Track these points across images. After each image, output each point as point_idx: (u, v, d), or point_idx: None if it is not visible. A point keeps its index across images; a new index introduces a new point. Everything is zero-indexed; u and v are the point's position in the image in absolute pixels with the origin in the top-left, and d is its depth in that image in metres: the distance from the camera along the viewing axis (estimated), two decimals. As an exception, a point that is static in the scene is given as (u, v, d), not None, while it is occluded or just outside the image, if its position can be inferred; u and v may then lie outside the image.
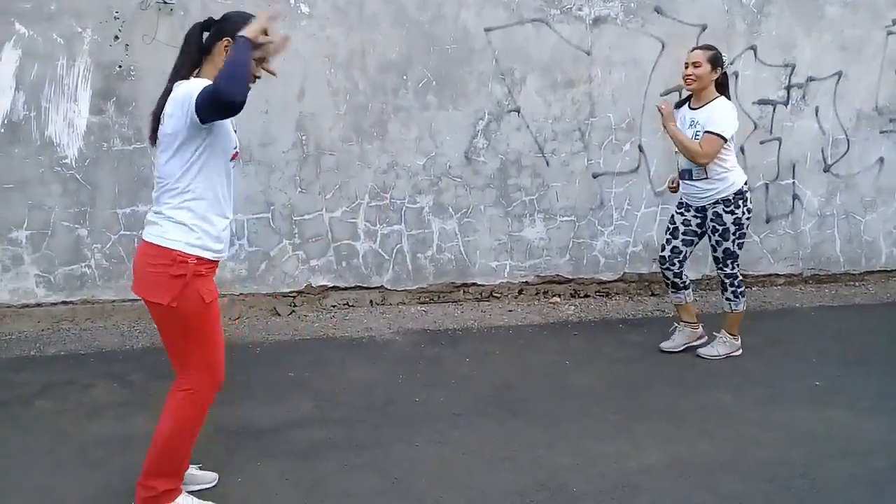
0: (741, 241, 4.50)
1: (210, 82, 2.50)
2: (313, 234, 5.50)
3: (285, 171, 5.34)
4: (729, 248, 4.47)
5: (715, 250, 4.54)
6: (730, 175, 4.38)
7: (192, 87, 2.53)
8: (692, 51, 4.42)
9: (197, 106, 2.46)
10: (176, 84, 2.64)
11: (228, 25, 2.67)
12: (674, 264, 4.63)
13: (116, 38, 5.01)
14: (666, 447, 3.45)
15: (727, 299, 4.61)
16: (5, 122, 4.94)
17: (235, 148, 2.75)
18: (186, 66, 2.69)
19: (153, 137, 2.72)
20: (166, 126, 2.61)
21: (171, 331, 2.71)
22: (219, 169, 2.68)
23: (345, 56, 5.36)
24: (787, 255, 6.33)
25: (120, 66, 5.04)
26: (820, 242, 6.39)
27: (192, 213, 2.63)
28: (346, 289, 5.64)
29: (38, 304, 5.14)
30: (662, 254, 4.69)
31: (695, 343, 4.74)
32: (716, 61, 4.34)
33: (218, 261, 2.76)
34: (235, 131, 2.84)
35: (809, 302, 5.97)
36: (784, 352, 4.78)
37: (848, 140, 6.28)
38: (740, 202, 4.39)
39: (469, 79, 5.56)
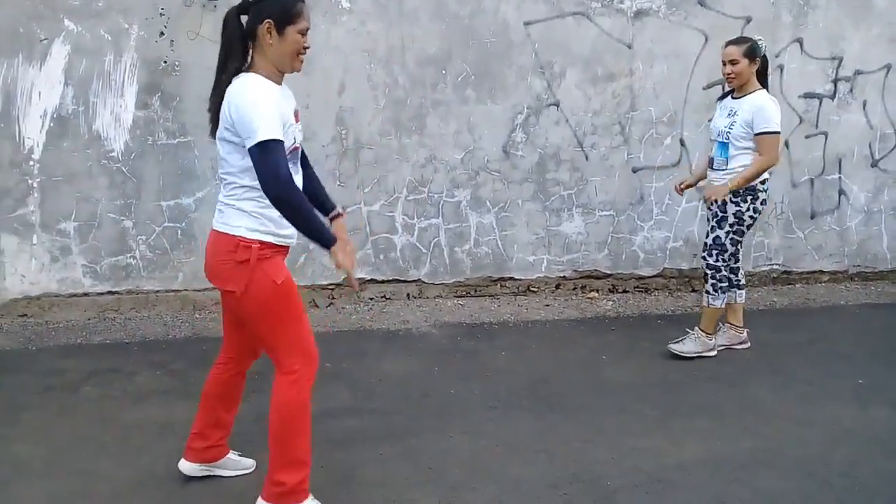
0: (736, 237, 4.37)
1: (267, 94, 2.48)
2: (351, 227, 5.53)
3: (325, 165, 5.40)
4: (719, 238, 4.36)
5: (707, 236, 4.45)
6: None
7: (245, 110, 2.45)
8: (726, 47, 4.32)
9: (253, 158, 2.45)
10: (235, 80, 2.56)
11: (266, 6, 2.53)
12: (711, 255, 4.56)
13: (162, 34, 5.11)
14: (703, 443, 3.42)
15: (706, 292, 4.48)
16: (54, 116, 5.07)
17: (295, 142, 2.64)
18: (233, 56, 2.58)
19: (214, 131, 2.65)
20: (221, 125, 2.57)
21: (251, 319, 2.67)
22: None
23: (384, 51, 5.40)
24: (832, 252, 6.20)
25: (165, 62, 5.14)
26: (866, 239, 6.24)
27: (256, 203, 2.58)
28: (383, 282, 5.68)
29: (85, 294, 5.28)
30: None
31: (737, 346, 4.65)
32: (753, 53, 4.25)
33: (287, 246, 2.71)
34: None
35: (854, 299, 5.84)
36: (827, 349, 4.68)
37: (897, 135, 6.13)
38: (749, 197, 4.27)
39: (508, 73, 5.55)
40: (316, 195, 2.88)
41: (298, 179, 2.72)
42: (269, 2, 2.54)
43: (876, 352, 4.62)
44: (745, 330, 4.66)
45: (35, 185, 5.11)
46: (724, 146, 4.34)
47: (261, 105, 2.46)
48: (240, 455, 3.20)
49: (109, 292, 5.31)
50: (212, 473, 3.08)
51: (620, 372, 4.33)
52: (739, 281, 4.60)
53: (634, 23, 5.63)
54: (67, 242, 5.21)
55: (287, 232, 2.66)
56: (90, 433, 3.51)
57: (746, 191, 4.26)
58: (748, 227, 4.39)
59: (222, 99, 2.56)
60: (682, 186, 4.71)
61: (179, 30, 5.11)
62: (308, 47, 2.65)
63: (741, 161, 4.26)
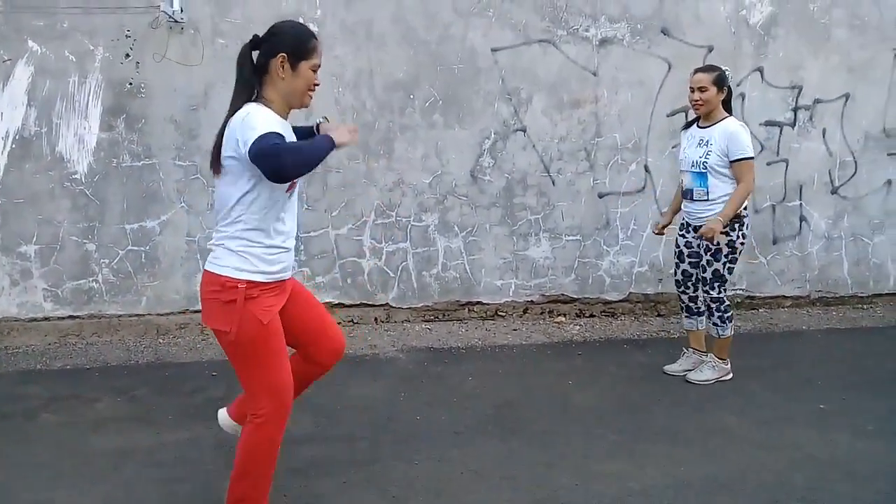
0: (732, 265, 4.43)
1: (269, 114, 2.48)
2: (319, 250, 5.53)
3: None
4: (718, 270, 4.41)
5: (704, 270, 4.46)
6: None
7: (248, 121, 2.43)
8: (695, 74, 4.38)
9: (251, 154, 2.37)
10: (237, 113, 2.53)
11: (281, 41, 2.57)
12: (688, 287, 4.61)
13: (127, 55, 5.09)
14: (667, 468, 3.43)
15: (714, 324, 4.52)
16: (17, 137, 5.02)
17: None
18: (245, 91, 2.56)
19: (216, 168, 2.58)
20: (226, 152, 2.53)
21: (234, 357, 2.64)
22: (275, 199, 2.58)
23: (352, 75, 5.42)
24: (794, 277, 6.31)
25: (130, 84, 5.11)
26: (827, 264, 6.36)
27: (246, 241, 2.57)
28: (351, 306, 5.66)
29: (46, 318, 5.19)
30: (676, 278, 4.67)
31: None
32: (721, 82, 4.33)
33: (279, 282, 2.68)
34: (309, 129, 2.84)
35: (816, 324, 5.93)
36: (789, 374, 4.74)
37: (856, 162, 6.26)
38: (737, 225, 4.33)
39: (475, 98, 5.60)
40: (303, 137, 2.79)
41: (293, 217, 2.72)
42: (285, 36, 2.58)
43: (837, 377, 4.68)
44: (709, 354, 4.70)
45: (-5, 207, 5.04)
46: (701, 176, 4.36)
47: (261, 117, 2.45)
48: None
49: (71, 317, 5.23)
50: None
51: (586, 396, 4.34)
52: (700, 308, 4.64)
53: (599, 51, 5.72)
54: (28, 266, 5.13)
55: (277, 268, 2.65)
56: (47, 461, 3.44)
57: (733, 220, 4.31)
58: (740, 254, 4.45)
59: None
60: (660, 228, 4.74)
61: (145, 52, 5.09)
62: (318, 84, 2.67)
63: (723, 190, 4.31)
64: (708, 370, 4.57)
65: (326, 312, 3.02)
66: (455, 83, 5.55)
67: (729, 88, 4.42)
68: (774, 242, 6.23)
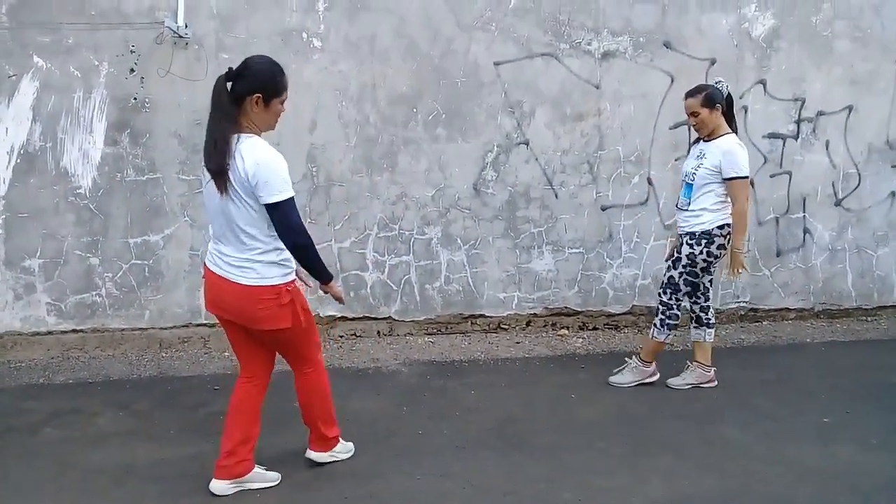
0: (690, 278, 4.47)
1: (283, 161, 2.94)
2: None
3: (295, 202, 5.38)
4: (673, 277, 4.49)
5: (664, 273, 4.59)
6: (705, 214, 4.38)
7: (273, 170, 2.89)
8: (686, 100, 4.43)
9: (278, 210, 2.92)
10: (239, 140, 2.91)
11: (256, 82, 2.94)
12: (698, 297, 4.63)
13: (132, 70, 5.12)
14: (670, 482, 3.41)
15: (653, 324, 4.63)
16: (22, 152, 5.04)
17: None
18: (227, 119, 2.93)
19: (223, 187, 2.91)
20: (236, 183, 2.90)
21: (295, 341, 3.23)
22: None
23: (356, 89, 5.44)
24: (797, 290, 6.29)
25: (135, 99, 5.14)
26: (831, 277, 6.34)
27: (278, 251, 3.04)
28: (353, 319, 5.66)
29: (49, 332, 5.20)
30: (685, 289, 4.66)
31: (704, 385, 4.68)
32: (711, 101, 4.34)
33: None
34: None
35: (820, 337, 5.91)
36: (793, 387, 4.72)
37: (859, 174, 6.25)
38: (703, 241, 4.37)
39: (478, 112, 5.62)
40: None
41: None
42: (258, 76, 2.96)
43: (841, 389, 4.66)
44: (713, 369, 4.69)
45: (0, 221, 5.06)
46: (689, 187, 4.45)
47: (281, 168, 2.91)
48: (265, 469, 3.39)
49: (74, 330, 5.24)
50: (242, 488, 3.26)
51: (588, 410, 4.33)
52: (710, 320, 4.64)
53: (602, 64, 5.73)
54: (32, 280, 5.14)
55: (295, 266, 3.16)
56: (49, 476, 3.43)
57: (702, 234, 4.37)
58: (702, 270, 4.47)
59: (225, 158, 2.87)
60: (669, 255, 4.72)
61: (150, 67, 5.12)
62: (284, 111, 3.10)
63: (703, 202, 4.37)
64: (628, 373, 4.73)
65: None
66: (458, 97, 5.57)
67: (729, 98, 4.43)
68: (778, 255, 6.22)
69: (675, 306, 4.52)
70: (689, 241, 4.40)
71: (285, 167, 2.93)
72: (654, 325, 4.62)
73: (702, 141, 4.50)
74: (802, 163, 6.15)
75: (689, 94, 4.43)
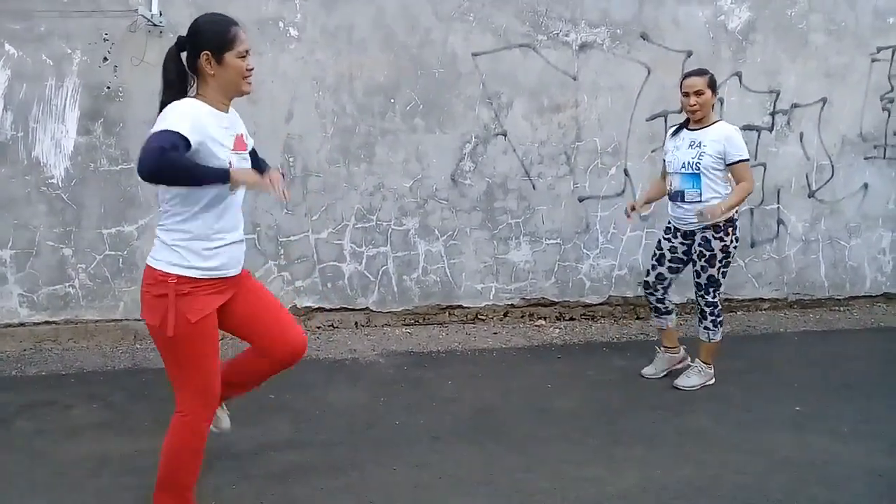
0: (726, 269, 4.44)
1: (189, 111, 2.47)
2: (299, 255, 5.51)
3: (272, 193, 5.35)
4: (713, 276, 4.42)
5: (699, 276, 4.46)
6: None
7: (164, 114, 2.48)
8: (688, 78, 4.36)
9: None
10: None
11: (201, 39, 2.58)
12: (657, 290, 4.63)
13: (105, 59, 5.05)
14: (644, 472, 3.44)
15: (705, 328, 4.52)
16: (-8, 141, 4.96)
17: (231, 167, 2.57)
18: (171, 91, 2.59)
19: None
20: None
21: (162, 352, 2.66)
22: (212, 192, 2.57)
23: (333, 79, 5.41)
24: (771, 280, 6.36)
25: (108, 88, 5.08)
26: (804, 267, 6.42)
27: (180, 234, 2.58)
28: (331, 310, 5.64)
29: (21, 324, 5.14)
30: (647, 279, 4.69)
31: (677, 367, 4.73)
32: (714, 84, 4.35)
33: (217, 279, 2.66)
34: (253, 151, 2.86)
35: (794, 327, 5.99)
36: (766, 376, 4.78)
37: (832, 166, 6.32)
38: (730, 229, 4.34)
39: (456, 102, 5.61)
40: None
41: (236, 212, 2.74)
42: (203, 33, 2.59)
43: (814, 379, 4.73)
44: (695, 360, 4.66)
45: (-30, 211, 4.99)
46: (694, 178, 4.34)
47: (176, 112, 2.46)
48: (228, 412, 3.24)
49: (46, 322, 5.18)
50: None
51: (565, 400, 4.35)
52: (668, 307, 4.66)
53: (579, 55, 5.74)
54: (3, 271, 5.07)
55: (214, 264, 2.64)
56: (21, 470, 3.39)
57: (727, 223, 4.31)
58: (733, 257, 4.46)
59: None
60: (631, 207, 4.69)
61: (123, 55, 5.05)
62: (252, 68, 2.67)
63: (714, 191, 4.30)
64: (695, 376, 4.58)
65: (284, 310, 3.00)
66: (436, 87, 5.56)
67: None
68: (752, 246, 6.28)
69: (720, 303, 4.50)
70: (717, 235, 4.30)
71: (180, 114, 2.45)
72: (707, 328, 4.50)
73: (686, 129, 4.46)
74: (777, 154, 6.20)
75: (694, 73, 4.37)
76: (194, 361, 2.64)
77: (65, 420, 3.98)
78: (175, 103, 2.51)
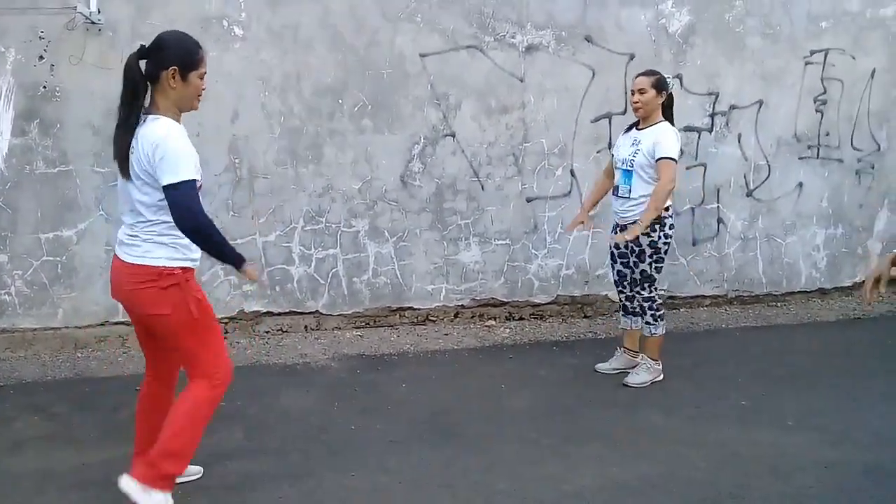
0: (659, 265, 4.54)
1: (187, 143, 2.73)
2: (247, 258, 5.39)
3: (217, 195, 5.26)
4: (646, 271, 4.52)
5: (633, 272, 4.57)
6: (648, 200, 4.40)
7: (171, 151, 2.67)
8: (637, 77, 4.49)
9: (171, 194, 2.67)
10: (143, 120, 2.76)
11: (171, 54, 2.77)
12: (624, 287, 4.70)
13: (41, 58, 4.87)
14: (600, 469, 3.49)
15: (647, 323, 4.61)
16: (-80, 143, 4.74)
17: (200, 182, 2.85)
18: (135, 99, 2.78)
19: (125, 171, 2.79)
20: (137, 166, 2.74)
21: (178, 333, 2.87)
22: None
23: (279, 79, 5.33)
24: (712, 277, 6.52)
25: (44, 87, 4.90)
26: (743, 264, 6.60)
27: (171, 236, 2.82)
28: (280, 314, 5.56)
29: (-46, 334, 4.92)
30: (613, 278, 4.76)
31: (629, 370, 4.80)
32: (660, 86, 4.44)
33: (194, 267, 2.97)
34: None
35: (734, 322, 6.16)
36: (711, 372, 4.90)
37: (769, 166, 6.52)
38: (657, 226, 4.42)
39: (404, 103, 5.59)
40: None
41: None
42: (173, 49, 2.79)
43: (756, 373, 4.87)
44: (642, 356, 4.76)
45: None
46: (628, 174, 4.47)
47: (180, 147, 2.70)
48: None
49: (-19, 331, 4.97)
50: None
51: (518, 400, 4.39)
52: (635, 308, 4.73)
53: (526, 57, 5.78)
54: (-67, 278, 4.85)
55: (197, 255, 2.94)
56: (-40, 487, 3.25)
57: (654, 221, 4.38)
58: (665, 253, 4.54)
59: (131, 139, 2.75)
60: (572, 226, 4.84)
61: (61, 54, 4.88)
62: (205, 89, 2.92)
63: (645, 189, 4.39)
64: (644, 372, 4.66)
65: None
66: (384, 88, 5.53)
67: (670, 96, 4.53)
68: (693, 244, 6.43)
69: (657, 297, 4.58)
70: (644, 232, 4.38)
71: (188, 148, 2.73)
72: (648, 323, 4.59)
73: (635, 129, 4.56)
74: (716, 155, 6.37)
75: (643, 74, 4.49)
76: (213, 328, 2.98)
77: (6, 433, 3.83)
78: (171, 134, 2.71)
